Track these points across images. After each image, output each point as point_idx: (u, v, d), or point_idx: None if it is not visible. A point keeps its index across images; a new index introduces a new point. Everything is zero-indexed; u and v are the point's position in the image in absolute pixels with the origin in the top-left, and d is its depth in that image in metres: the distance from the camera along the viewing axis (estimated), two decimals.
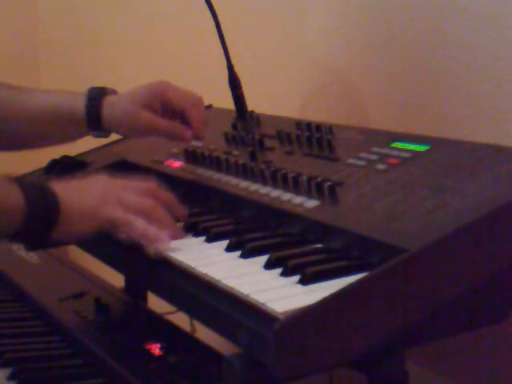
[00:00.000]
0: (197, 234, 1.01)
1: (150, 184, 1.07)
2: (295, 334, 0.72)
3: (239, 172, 1.13)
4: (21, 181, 1.00)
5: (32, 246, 1.11)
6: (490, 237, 0.83)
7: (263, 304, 0.77)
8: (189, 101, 1.21)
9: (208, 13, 1.31)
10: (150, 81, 1.24)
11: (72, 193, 1.01)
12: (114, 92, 1.27)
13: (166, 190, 1.07)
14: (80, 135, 1.30)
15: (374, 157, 1.05)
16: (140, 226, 0.99)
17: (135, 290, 1.45)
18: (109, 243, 1.07)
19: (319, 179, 1.00)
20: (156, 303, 1.23)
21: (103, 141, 1.36)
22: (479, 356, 1.23)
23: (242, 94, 1.34)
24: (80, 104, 1.24)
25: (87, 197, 1.01)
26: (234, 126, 1.33)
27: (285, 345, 0.72)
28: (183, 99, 1.21)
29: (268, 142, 1.22)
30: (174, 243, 0.98)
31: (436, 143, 1.03)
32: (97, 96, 1.24)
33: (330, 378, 1.17)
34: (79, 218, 1.00)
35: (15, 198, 0.97)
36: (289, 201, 1.00)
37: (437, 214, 0.85)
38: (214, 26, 1.31)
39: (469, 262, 0.82)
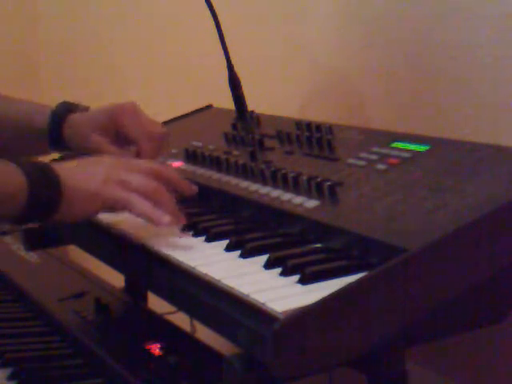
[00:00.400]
0: (196, 234, 1.01)
1: (155, 164, 1.05)
2: (295, 334, 0.72)
3: (239, 172, 1.13)
4: (23, 163, 0.98)
5: (33, 236, 1.09)
6: (489, 237, 0.83)
7: (263, 304, 0.77)
8: (143, 133, 1.15)
9: (208, 13, 1.31)
10: (118, 102, 1.19)
11: (74, 175, 1.00)
12: (86, 109, 1.23)
13: (171, 169, 1.04)
14: (46, 151, 1.27)
15: (373, 157, 1.05)
16: (141, 206, 0.98)
17: (135, 290, 1.45)
18: (109, 243, 1.07)
19: (319, 179, 1.00)
20: (156, 303, 1.23)
21: None
22: (479, 356, 1.23)
23: (242, 94, 1.34)
24: (47, 120, 1.21)
25: (89, 178, 1.00)
26: (234, 126, 1.33)
27: (284, 345, 0.72)
28: (137, 130, 1.15)
29: (268, 142, 1.22)
30: (174, 243, 0.98)
31: (436, 143, 1.03)
32: (61, 113, 1.21)
33: (330, 378, 1.17)
34: (82, 200, 0.99)
35: (18, 180, 0.96)
36: (289, 201, 1.00)
37: (437, 214, 0.85)
38: (214, 26, 1.31)
39: (469, 261, 0.82)
